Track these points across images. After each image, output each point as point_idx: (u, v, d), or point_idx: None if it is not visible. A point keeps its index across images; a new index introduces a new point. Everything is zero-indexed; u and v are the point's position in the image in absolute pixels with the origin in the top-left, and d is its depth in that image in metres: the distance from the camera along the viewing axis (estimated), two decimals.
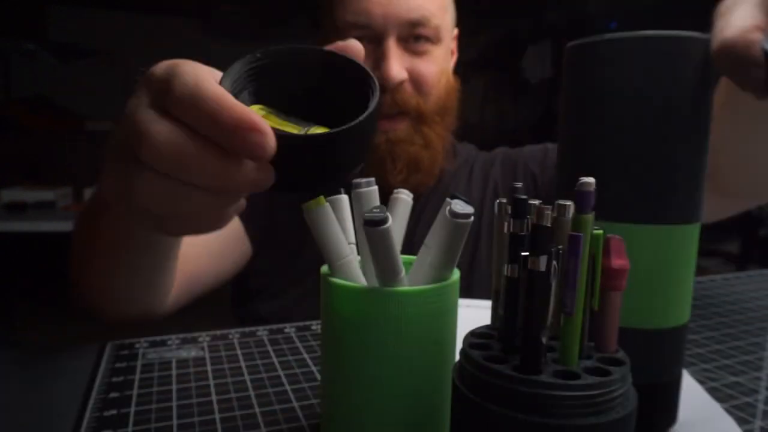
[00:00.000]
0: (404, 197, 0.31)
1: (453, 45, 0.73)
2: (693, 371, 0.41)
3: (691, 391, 0.37)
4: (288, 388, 0.38)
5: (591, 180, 0.21)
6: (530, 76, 2.93)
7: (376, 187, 0.31)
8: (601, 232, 0.22)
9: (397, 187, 0.66)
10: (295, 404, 0.36)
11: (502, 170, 0.75)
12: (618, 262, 0.23)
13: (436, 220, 0.28)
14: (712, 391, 0.38)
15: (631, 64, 0.28)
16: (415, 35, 0.64)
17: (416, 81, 0.65)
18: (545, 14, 2.51)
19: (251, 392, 0.37)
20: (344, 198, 0.31)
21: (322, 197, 0.28)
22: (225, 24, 2.52)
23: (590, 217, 0.21)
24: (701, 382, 0.39)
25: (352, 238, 0.31)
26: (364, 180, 0.30)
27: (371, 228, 0.24)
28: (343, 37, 0.67)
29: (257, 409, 0.35)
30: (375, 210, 0.24)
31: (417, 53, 0.65)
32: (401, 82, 0.64)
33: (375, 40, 0.63)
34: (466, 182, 0.75)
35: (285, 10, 2.38)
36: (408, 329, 0.26)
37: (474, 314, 0.53)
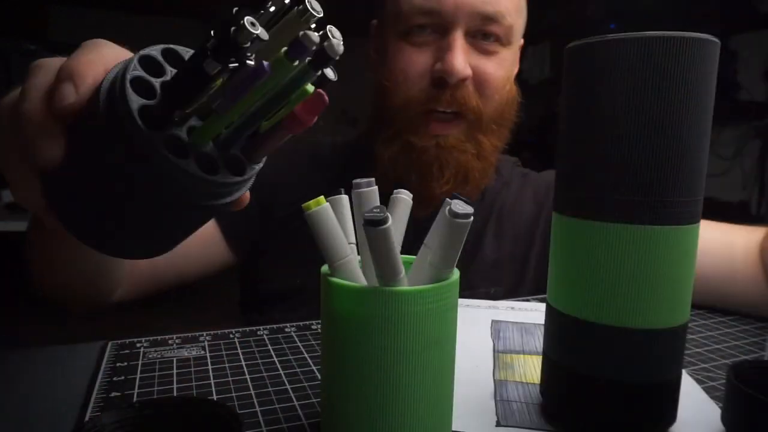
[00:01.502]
0: (404, 197, 0.31)
1: (517, 55, 0.68)
2: (693, 371, 0.41)
3: (691, 391, 0.37)
4: (288, 387, 0.38)
5: (312, 35, 0.22)
6: (530, 77, 2.94)
7: (375, 188, 0.31)
8: (311, 89, 0.24)
9: (441, 199, 0.64)
10: (296, 403, 0.36)
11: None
12: (304, 115, 0.24)
13: (436, 220, 0.29)
14: (712, 391, 0.38)
15: (631, 65, 0.28)
16: (484, 32, 0.59)
17: (479, 81, 0.60)
18: (545, 14, 2.51)
19: (252, 391, 0.37)
20: (344, 198, 0.31)
21: (322, 197, 0.28)
22: None
23: (294, 64, 0.22)
24: (701, 382, 0.39)
25: (352, 238, 0.31)
26: (364, 180, 0.31)
27: (371, 228, 0.24)
28: (406, 23, 0.61)
29: (258, 408, 0.35)
30: (375, 210, 0.25)
31: (484, 52, 0.60)
32: (464, 79, 0.58)
33: (441, 30, 0.58)
34: (512, 203, 0.71)
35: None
36: (408, 329, 0.26)
37: (474, 314, 0.53)
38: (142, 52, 0.25)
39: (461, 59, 0.57)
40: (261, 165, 0.28)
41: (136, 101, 0.23)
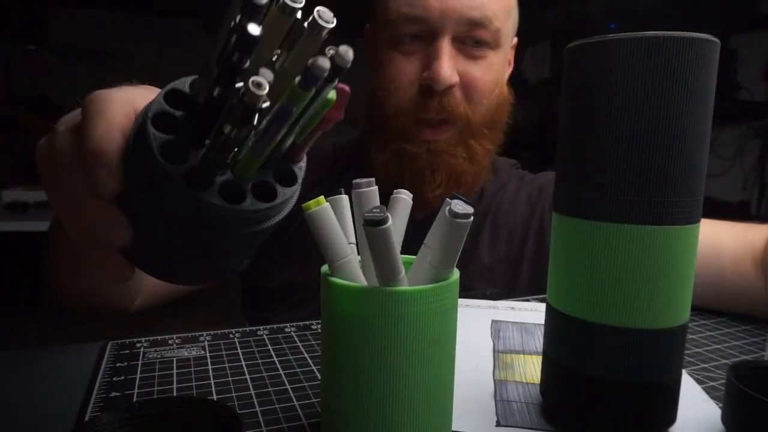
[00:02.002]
0: (404, 197, 0.31)
1: (510, 54, 0.68)
2: (693, 371, 0.41)
3: (691, 391, 0.37)
4: (288, 387, 0.38)
5: (321, 62, 0.20)
6: (530, 77, 2.94)
7: (375, 188, 0.31)
8: (333, 98, 0.23)
9: (434, 203, 0.60)
10: (296, 403, 0.36)
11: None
12: (333, 113, 0.24)
13: (436, 220, 0.29)
14: (712, 391, 0.38)
15: (631, 65, 0.28)
16: (472, 37, 0.59)
17: (467, 87, 0.60)
18: (545, 14, 2.51)
19: (252, 391, 0.37)
20: (344, 198, 0.31)
21: (322, 197, 0.28)
22: None
23: (308, 93, 0.21)
24: (701, 382, 0.39)
25: (352, 238, 0.31)
26: (364, 180, 0.31)
27: (371, 228, 0.24)
28: (395, 31, 0.61)
29: (258, 408, 0.35)
30: (375, 210, 0.25)
31: (472, 57, 0.60)
32: (451, 87, 0.58)
33: (429, 37, 0.59)
34: (509, 205, 0.70)
35: None
36: (408, 329, 0.26)
37: (474, 314, 0.53)
38: (169, 86, 0.24)
39: (447, 66, 0.57)
40: (297, 186, 0.27)
41: (157, 138, 0.23)
